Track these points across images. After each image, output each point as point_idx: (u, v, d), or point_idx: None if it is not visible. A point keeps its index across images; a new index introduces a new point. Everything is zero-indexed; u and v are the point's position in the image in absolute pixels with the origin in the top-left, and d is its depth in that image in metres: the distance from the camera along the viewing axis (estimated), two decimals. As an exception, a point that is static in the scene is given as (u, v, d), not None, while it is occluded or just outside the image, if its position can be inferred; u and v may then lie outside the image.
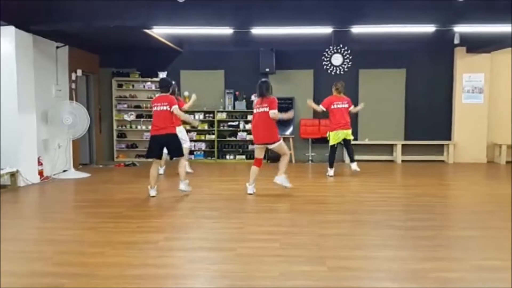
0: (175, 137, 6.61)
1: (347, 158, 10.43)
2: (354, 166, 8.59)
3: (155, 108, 6.52)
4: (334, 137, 8.49)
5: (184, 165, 6.77)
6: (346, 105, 8.44)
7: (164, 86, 6.66)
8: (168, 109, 6.42)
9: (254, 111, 6.72)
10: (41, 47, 8.21)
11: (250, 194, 6.76)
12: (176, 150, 6.64)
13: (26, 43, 7.61)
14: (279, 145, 6.72)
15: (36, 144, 7.97)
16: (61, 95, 8.88)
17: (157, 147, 6.55)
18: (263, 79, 6.84)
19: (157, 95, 6.78)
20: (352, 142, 10.38)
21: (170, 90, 6.69)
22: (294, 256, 4.03)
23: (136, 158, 10.88)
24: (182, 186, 6.66)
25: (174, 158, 6.78)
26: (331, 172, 8.59)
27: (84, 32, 8.54)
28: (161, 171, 8.48)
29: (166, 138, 6.49)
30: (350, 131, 8.53)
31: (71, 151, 8.81)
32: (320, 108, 8.54)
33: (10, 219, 5.45)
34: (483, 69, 10.53)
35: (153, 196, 6.60)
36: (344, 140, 8.53)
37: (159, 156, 6.66)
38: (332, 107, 8.42)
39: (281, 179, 6.84)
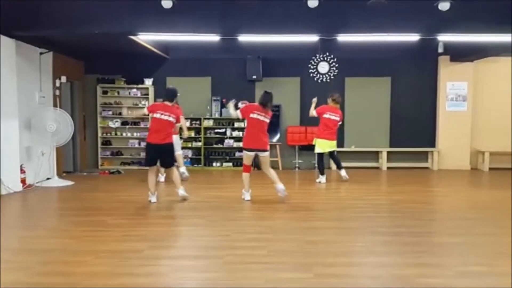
0: (171, 146, 6.78)
1: (333, 166, 10.53)
2: (343, 173, 8.73)
3: (158, 115, 6.55)
4: (320, 144, 8.59)
5: (176, 173, 6.87)
6: (338, 118, 8.54)
7: (170, 95, 6.76)
8: (173, 120, 6.59)
9: (255, 116, 6.67)
10: (25, 53, 8.10)
11: (248, 200, 6.79)
12: (169, 160, 6.82)
13: (9, 49, 7.50)
14: (268, 155, 6.86)
15: (18, 152, 7.83)
16: (44, 102, 8.76)
17: (155, 155, 6.67)
18: (269, 91, 6.89)
19: (159, 102, 6.82)
20: (338, 149, 10.55)
21: (174, 101, 6.82)
22: (280, 263, 4.02)
23: (121, 165, 10.78)
24: (181, 192, 6.77)
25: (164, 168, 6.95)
26: (323, 179, 8.65)
27: (68, 38, 8.46)
28: (162, 179, 8.51)
29: (165, 147, 6.62)
30: (334, 142, 8.66)
31: (54, 159, 8.68)
32: (312, 113, 8.55)
33: (-9, 227, 5.34)
34: (466, 77, 10.69)
35: (153, 202, 6.63)
36: (330, 151, 8.70)
37: (154, 164, 6.73)
38: (325, 116, 8.49)
39: (281, 187, 6.80)
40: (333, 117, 8.48)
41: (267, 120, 6.74)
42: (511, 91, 10.56)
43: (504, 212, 6.18)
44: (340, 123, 8.66)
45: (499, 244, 4.68)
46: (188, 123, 10.68)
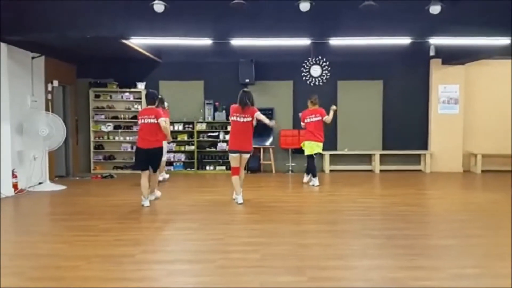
0: (161, 151, 6.88)
1: (327, 168, 10.57)
2: (306, 179, 8.90)
3: (143, 121, 6.63)
4: (308, 146, 8.64)
5: (157, 179, 7.10)
6: (319, 118, 8.55)
7: (150, 98, 6.82)
8: (155, 121, 6.55)
9: (234, 118, 6.77)
10: (16, 57, 8.05)
11: (241, 203, 6.76)
12: (156, 164, 6.86)
13: (1, 53, 7.44)
14: (248, 156, 6.94)
15: (10, 156, 7.77)
16: (37, 106, 8.71)
17: (145, 160, 6.71)
18: (246, 89, 7.04)
19: (143, 108, 6.92)
20: (332, 152, 10.61)
21: (156, 103, 6.86)
22: (274, 267, 4.01)
23: (113, 170, 10.72)
24: (147, 201, 6.72)
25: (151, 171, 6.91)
26: (315, 181, 8.64)
27: (60, 43, 8.42)
28: (160, 178, 8.55)
29: (154, 151, 6.68)
30: (321, 144, 8.66)
31: (47, 163, 8.62)
32: (302, 125, 8.74)
33: (-18, 233, 5.28)
34: (458, 80, 10.76)
35: (146, 206, 6.61)
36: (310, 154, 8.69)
37: (146, 168, 6.72)
38: (306, 120, 8.61)
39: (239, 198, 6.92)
40: (313, 119, 8.54)
41: (248, 120, 6.72)
42: (511, 94, 10.59)
43: (497, 214, 6.23)
44: (325, 117, 8.57)
45: (493, 246, 4.70)
46: (181, 127, 10.69)
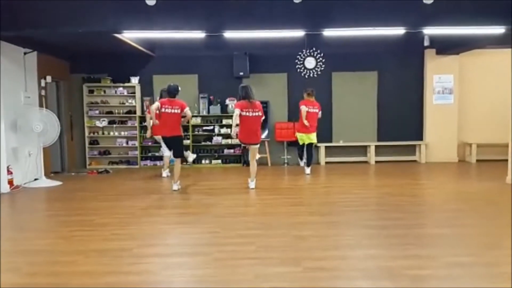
0: (180, 138, 7.48)
1: (322, 160, 10.60)
2: (308, 170, 9.13)
3: (165, 110, 7.20)
4: (300, 138, 9.04)
5: (179, 167, 7.45)
6: (317, 110, 8.93)
7: (172, 92, 7.37)
8: (179, 112, 7.22)
9: (244, 114, 7.23)
10: (8, 53, 7.99)
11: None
12: (177, 151, 7.44)
13: (-7, 49, 7.43)
14: (257, 147, 7.56)
15: (5, 153, 7.76)
16: (30, 102, 8.67)
17: (168, 146, 7.63)
18: (244, 84, 7.67)
19: (166, 98, 7.40)
20: (327, 144, 10.63)
21: (176, 97, 7.36)
22: (269, 258, 4.04)
23: (109, 165, 10.71)
24: (175, 186, 7.38)
25: (174, 158, 7.56)
26: (301, 163, 9.28)
27: (52, 38, 8.37)
28: (164, 174, 8.91)
29: (173, 139, 7.33)
30: (313, 134, 9.00)
31: (42, 159, 8.60)
32: (304, 111, 8.79)
33: (-22, 230, 5.28)
34: (452, 70, 10.78)
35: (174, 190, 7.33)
36: (308, 143, 9.05)
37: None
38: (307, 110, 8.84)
39: (252, 185, 7.49)
40: (311, 110, 8.85)
41: (257, 114, 7.28)
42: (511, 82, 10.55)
43: (491, 203, 6.28)
44: (320, 112, 9.03)
45: (487, 235, 4.75)
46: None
